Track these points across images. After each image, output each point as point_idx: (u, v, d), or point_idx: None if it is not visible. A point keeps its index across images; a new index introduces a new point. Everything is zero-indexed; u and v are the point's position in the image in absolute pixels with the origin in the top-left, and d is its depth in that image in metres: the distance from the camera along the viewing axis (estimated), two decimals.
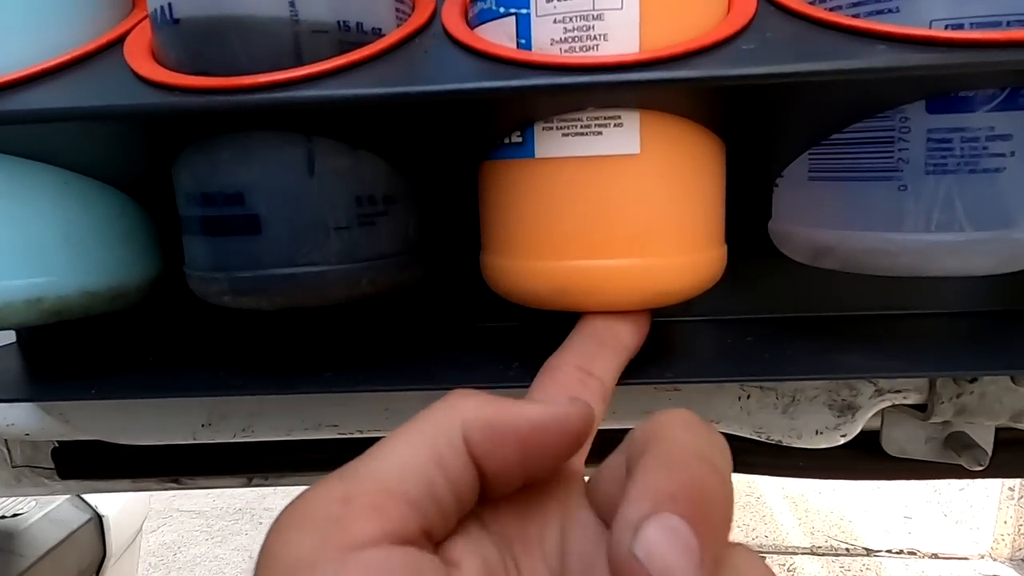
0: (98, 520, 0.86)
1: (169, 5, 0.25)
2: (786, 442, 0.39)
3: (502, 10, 0.25)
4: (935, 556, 1.64)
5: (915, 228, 0.26)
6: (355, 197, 0.27)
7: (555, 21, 0.24)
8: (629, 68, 0.23)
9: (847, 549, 1.68)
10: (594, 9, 0.23)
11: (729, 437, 0.39)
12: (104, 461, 0.47)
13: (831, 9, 0.26)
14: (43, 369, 0.33)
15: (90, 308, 0.30)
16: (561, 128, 0.25)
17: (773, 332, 0.34)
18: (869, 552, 1.67)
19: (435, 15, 0.28)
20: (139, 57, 0.27)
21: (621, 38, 0.24)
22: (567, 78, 0.23)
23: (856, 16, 0.25)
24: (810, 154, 0.28)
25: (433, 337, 0.35)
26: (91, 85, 0.26)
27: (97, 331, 0.36)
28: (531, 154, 0.26)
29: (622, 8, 0.23)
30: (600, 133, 0.25)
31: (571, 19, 0.24)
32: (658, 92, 0.24)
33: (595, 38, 0.24)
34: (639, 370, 0.28)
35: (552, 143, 0.25)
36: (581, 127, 0.25)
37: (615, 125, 0.24)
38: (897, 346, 0.31)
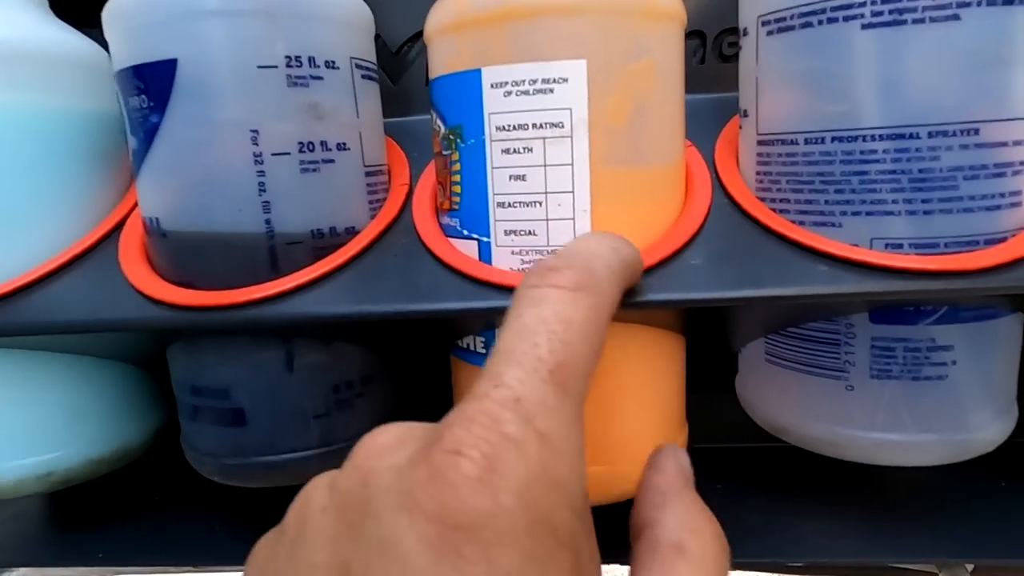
0: None
1: (157, 219, 0.27)
2: None
3: (466, 232, 0.26)
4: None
5: (862, 426, 0.27)
6: (332, 386, 0.29)
7: (512, 252, 0.25)
8: None
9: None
10: (548, 245, 0.25)
11: None
12: None
13: (780, 212, 0.26)
14: (55, 524, 0.35)
15: (96, 472, 0.32)
16: None
17: (739, 484, 0.34)
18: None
19: (408, 202, 0.30)
20: (132, 259, 0.29)
21: None
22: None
23: (802, 224, 0.26)
24: (766, 339, 0.29)
25: None
26: (87, 295, 0.28)
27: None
28: None
29: None
30: None
31: (527, 252, 0.25)
32: None
33: None
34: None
35: None
36: None
37: None
38: (878, 511, 0.32)
